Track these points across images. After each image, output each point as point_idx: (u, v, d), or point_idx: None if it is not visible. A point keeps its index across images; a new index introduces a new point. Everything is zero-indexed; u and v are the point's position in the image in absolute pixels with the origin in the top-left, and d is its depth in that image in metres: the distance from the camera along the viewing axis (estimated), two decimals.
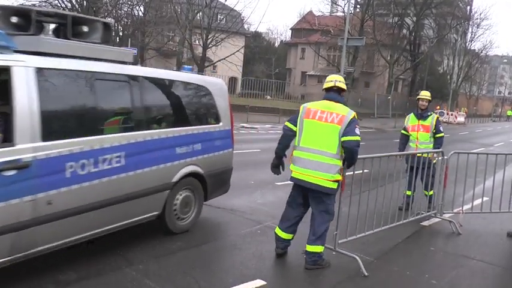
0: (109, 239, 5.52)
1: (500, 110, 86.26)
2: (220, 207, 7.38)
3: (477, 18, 61.92)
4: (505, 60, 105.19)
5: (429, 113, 8.01)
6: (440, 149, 7.59)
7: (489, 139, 28.80)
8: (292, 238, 5.48)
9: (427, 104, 8.07)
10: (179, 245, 5.54)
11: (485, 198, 7.75)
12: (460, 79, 66.42)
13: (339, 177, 5.10)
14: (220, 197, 7.74)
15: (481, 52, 69.88)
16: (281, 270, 5.20)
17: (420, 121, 7.99)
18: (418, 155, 7.25)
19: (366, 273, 5.16)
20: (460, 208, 7.56)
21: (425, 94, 8.23)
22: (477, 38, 67.37)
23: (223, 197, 7.64)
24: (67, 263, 4.74)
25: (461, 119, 45.26)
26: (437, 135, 7.93)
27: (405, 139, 8.28)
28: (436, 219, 7.42)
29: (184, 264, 5.00)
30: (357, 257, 5.35)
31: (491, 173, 7.65)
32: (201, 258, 5.27)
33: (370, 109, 41.48)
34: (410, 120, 8.18)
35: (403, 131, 8.38)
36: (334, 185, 5.10)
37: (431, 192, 7.78)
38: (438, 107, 38.68)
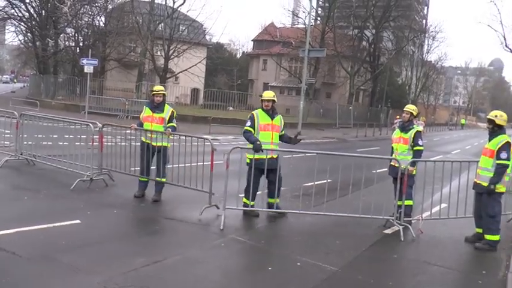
0: (67, 255, 5.35)
1: (456, 118, 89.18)
2: (183, 220, 7.27)
3: (432, 31, 64.24)
4: (459, 71, 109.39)
5: (411, 127, 8.09)
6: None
7: (446, 147, 29.71)
8: None
9: (407, 116, 8.15)
10: (141, 261, 5.39)
11: (443, 205, 7.96)
12: (418, 89, 68.40)
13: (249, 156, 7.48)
14: (184, 209, 7.66)
15: (437, 63, 72.35)
16: (247, 284, 5.14)
17: (402, 133, 8.13)
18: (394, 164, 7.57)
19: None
20: (420, 215, 7.73)
21: (407, 107, 8.35)
22: (433, 50, 69.88)
23: (186, 209, 7.55)
24: (40, 277, 4.56)
25: (420, 127, 46.39)
26: (415, 148, 7.94)
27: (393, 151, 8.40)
28: (399, 227, 7.51)
29: (147, 280, 4.87)
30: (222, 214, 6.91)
31: (449, 180, 7.86)
32: (165, 273, 5.15)
33: (332, 119, 41.99)
34: (396, 133, 8.36)
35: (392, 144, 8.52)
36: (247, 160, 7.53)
37: (410, 202, 7.76)
38: (398, 117, 39.58)
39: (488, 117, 7.28)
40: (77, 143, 9.60)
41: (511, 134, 7.19)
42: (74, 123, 10.15)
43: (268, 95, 7.72)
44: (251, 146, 7.34)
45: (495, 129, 7.11)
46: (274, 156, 7.54)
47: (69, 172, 9.22)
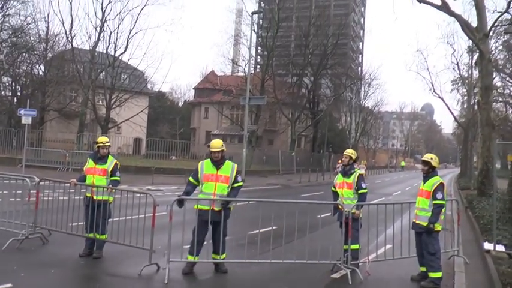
0: None
1: (395, 161, 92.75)
2: (127, 276, 6.96)
3: (368, 78, 67.55)
4: (395, 116, 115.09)
5: (352, 171, 8.34)
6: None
7: (388, 189, 30.65)
8: None
9: (347, 160, 8.41)
10: None
11: (388, 246, 8.12)
12: (358, 134, 70.89)
13: None
14: (127, 265, 7.35)
15: (374, 109, 75.60)
16: None
17: (345, 178, 8.30)
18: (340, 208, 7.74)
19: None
20: (367, 257, 7.83)
21: (346, 151, 8.62)
22: (369, 96, 72.77)
23: (130, 265, 7.25)
24: None
25: (361, 171, 47.65)
26: (360, 192, 8.15)
27: (335, 196, 8.50)
28: (346, 271, 7.53)
29: None
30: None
31: (392, 221, 8.07)
32: None
33: (275, 166, 42.35)
34: (338, 178, 8.52)
35: (332, 188, 8.63)
36: None
37: (356, 246, 7.85)
38: (340, 161, 41.01)
39: (424, 159, 7.72)
40: (11, 199, 9.10)
41: (444, 175, 7.58)
42: (9, 178, 9.62)
43: (216, 145, 7.39)
44: (198, 196, 7.34)
45: (430, 171, 7.53)
46: (216, 209, 7.20)
47: (1, 231, 8.64)
